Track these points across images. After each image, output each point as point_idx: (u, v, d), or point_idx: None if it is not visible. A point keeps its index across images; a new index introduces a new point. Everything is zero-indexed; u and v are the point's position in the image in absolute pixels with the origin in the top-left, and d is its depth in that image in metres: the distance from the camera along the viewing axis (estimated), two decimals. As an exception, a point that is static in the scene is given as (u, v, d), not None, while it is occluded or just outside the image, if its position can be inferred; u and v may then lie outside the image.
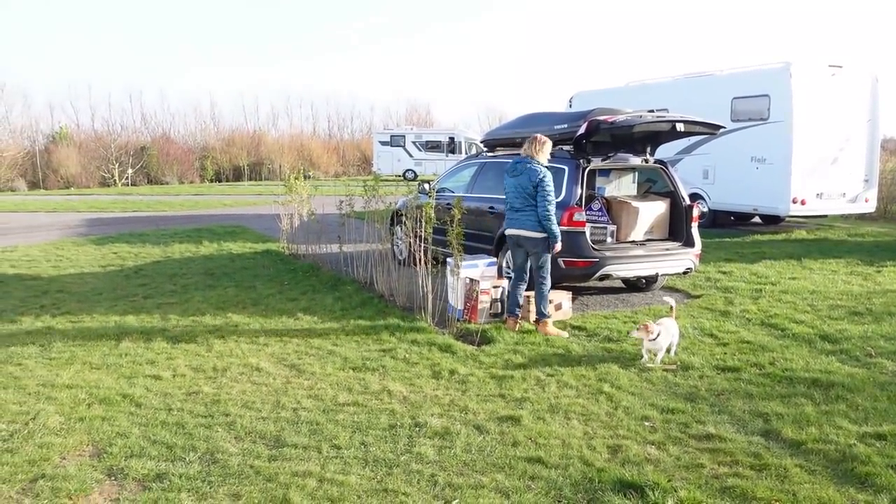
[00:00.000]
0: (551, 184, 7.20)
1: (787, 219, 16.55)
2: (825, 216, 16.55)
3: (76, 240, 14.92)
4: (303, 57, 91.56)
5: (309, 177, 29.33)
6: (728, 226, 16.39)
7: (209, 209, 23.25)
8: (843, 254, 12.39)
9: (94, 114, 62.83)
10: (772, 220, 16.89)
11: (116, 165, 41.83)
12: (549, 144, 7.31)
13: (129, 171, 42.24)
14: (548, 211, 7.15)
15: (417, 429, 4.83)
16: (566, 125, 8.43)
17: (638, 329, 6.24)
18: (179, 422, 4.93)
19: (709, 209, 16.11)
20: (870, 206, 15.64)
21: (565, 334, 7.23)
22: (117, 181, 41.47)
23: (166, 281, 10.09)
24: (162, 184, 42.01)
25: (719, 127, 8.83)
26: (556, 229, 7.21)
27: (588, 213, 8.48)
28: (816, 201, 14.72)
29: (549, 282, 7.32)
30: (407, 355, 6.47)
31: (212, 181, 45.29)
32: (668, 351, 6.39)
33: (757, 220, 16.96)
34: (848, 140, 14.75)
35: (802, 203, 14.53)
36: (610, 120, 7.88)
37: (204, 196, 30.41)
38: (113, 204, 25.38)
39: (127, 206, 24.29)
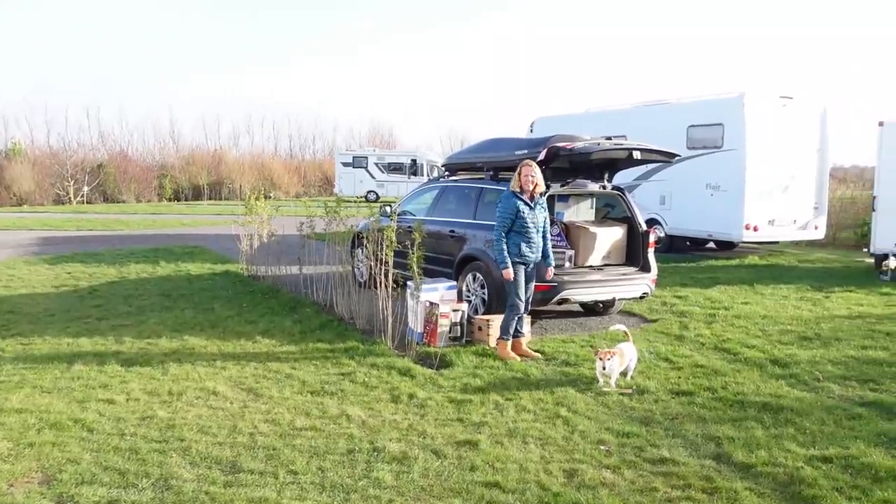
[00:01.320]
0: (505, 208, 7.25)
1: (741, 244, 16.96)
2: (777, 242, 16.99)
3: (28, 259, 14.59)
4: (266, 75, 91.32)
5: (270, 197, 29.18)
6: (684, 251, 16.71)
7: (167, 229, 22.94)
8: (794, 279, 12.73)
9: (49, 130, 61.60)
10: (726, 246, 17.29)
11: (72, 183, 41.02)
12: (524, 169, 7.32)
13: (85, 188, 41.44)
14: (495, 234, 7.27)
15: (375, 453, 4.82)
16: (527, 151, 8.55)
17: (599, 357, 6.30)
18: (132, 447, 4.85)
19: (665, 234, 16.43)
20: (819, 233, 16.12)
21: (538, 355, 7.32)
22: (72, 199, 40.64)
23: (121, 302, 9.92)
24: (119, 202, 41.30)
25: (674, 155, 9.06)
26: (500, 255, 7.25)
27: (547, 237, 8.59)
28: (768, 228, 15.11)
29: (516, 302, 7.32)
30: (366, 379, 6.46)
31: (170, 200, 44.67)
32: (624, 375, 6.49)
33: (712, 245, 17.34)
34: (798, 168, 15.22)
35: (755, 229, 14.90)
36: (569, 146, 8.03)
37: (162, 215, 30.00)
38: (67, 222, 24.86)
39: (82, 225, 23.83)
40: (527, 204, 7.24)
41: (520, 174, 7.28)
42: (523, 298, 7.36)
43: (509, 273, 7.22)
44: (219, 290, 10.99)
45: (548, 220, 7.56)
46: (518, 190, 7.27)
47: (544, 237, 7.47)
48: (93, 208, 35.89)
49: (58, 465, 4.55)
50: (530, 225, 7.24)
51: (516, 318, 7.33)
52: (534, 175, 7.25)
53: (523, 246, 7.26)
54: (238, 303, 9.92)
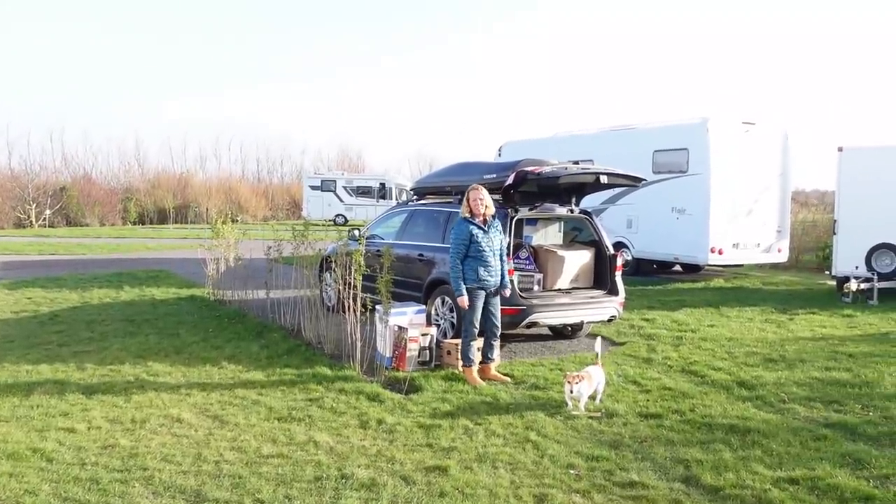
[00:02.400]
0: (458, 234, 7.25)
1: (706, 267, 17.20)
2: (741, 265, 17.26)
3: (-13, 284, 14.23)
4: (233, 98, 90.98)
5: (237, 220, 28.92)
6: (651, 274, 16.90)
7: (131, 253, 22.59)
8: (759, 301, 12.93)
9: (11, 152, 60.70)
10: (692, 269, 17.52)
11: (34, 206, 40.26)
12: (471, 193, 7.34)
13: (48, 212, 40.68)
14: (450, 261, 7.30)
15: (344, 480, 4.75)
16: (495, 175, 8.62)
17: (568, 381, 6.30)
18: (93, 477, 4.71)
19: (633, 257, 16.60)
20: (782, 256, 16.42)
21: (508, 379, 7.30)
22: (34, 222, 39.85)
23: (84, 328, 9.70)
24: (82, 226, 40.59)
25: (640, 179, 9.17)
26: (456, 283, 7.24)
27: (516, 261, 8.64)
28: (733, 251, 15.36)
29: (470, 329, 7.31)
30: (334, 404, 6.38)
31: (135, 224, 44.04)
32: (593, 398, 6.50)
33: (678, 268, 17.56)
34: (762, 192, 15.52)
35: (720, 253, 15.13)
36: (536, 171, 8.09)
37: (126, 239, 29.55)
38: (28, 246, 24.37)
39: (44, 249, 23.36)
40: (480, 228, 7.25)
41: (468, 199, 7.31)
42: (478, 325, 7.35)
43: (464, 301, 7.21)
44: (184, 315, 10.82)
45: (504, 242, 7.59)
46: (469, 215, 7.29)
47: (501, 259, 7.48)
48: (55, 232, 35.22)
49: (15, 497, 4.40)
50: (486, 249, 7.25)
51: (473, 343, 7.31)
52: (482, 198, 7.28)
53: (481, 270, 7.25)
54: (204, 328, 9.76)
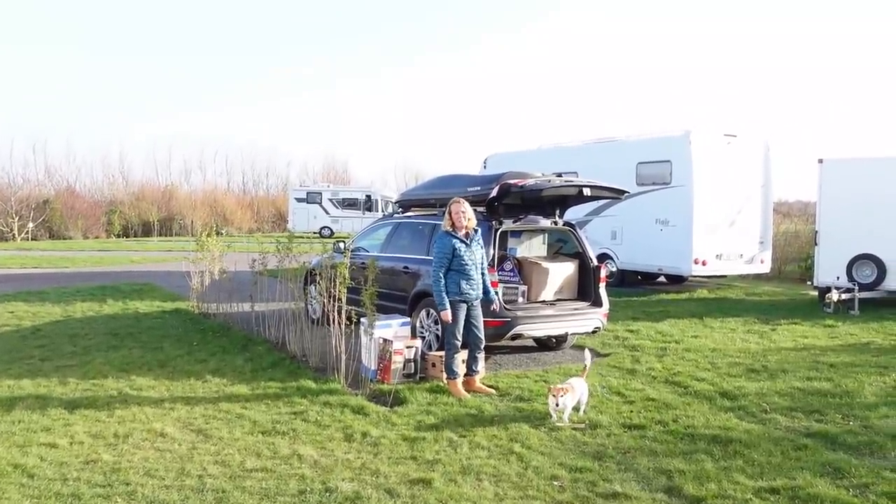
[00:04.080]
0: (441, 248, 7.27)
1: (690, 278, 17.31)
2: (725, 276, 17.39)
3: (-32, 298, 14.09)
4: (218, 110, 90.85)
5: (222, 233, 28.82)
6: (635, 285, 16.99)
7: (115, 266, 22.46)
8: (742, 312, 13.03)
9: (-7, 165, 60.25)
10: (676, 280, 17.63)
11: (16, 219, 39.96)
12: (453, 206, 7.36)
13: (30, 224, 40.39)
14: (432, 275, 7.32)
15: (328, 494, 4.75)
16: (479, 188, 8.67)
17: (552, 394, 6.32)
18: (75, 493, 4.69)
19: (617, 269, 16.69)
20: (765, 267, 16.55)
21: (492, 391, 7.32)
22: (16, 235, 39.56)
23: (66, 342, 9.64)
24: (65, 239, 40.31)
25: (623, 192, 9.25)
26: (439, 297, 7.25)
27: (500, 273, 8.68)
28: (716, 262, 15.47)
29: (452, 342, 7.32)
30: (319, 417, 6.38)
31: (119, 236, 43.80)
32: (577, 410, 6.53)
33: (662, 279, 17.67)
34: (744, 204, 15.66)
35: (703, 264, 15.24)
36: (520, 184, 8.15)
37: (110, 252, 29.37)
38: (10, 259, 24.18)
39: (26, 262, 23.18)
40: (462, 241, 7.29)
41: (450, 212, 7.34)
42: (460, 338, 7.36)
43: (447, 315, 7.24)
44: (168, 328, 10.77)
45: (485, 256, 7.62)
46: (451, 228, 7.32)
47: (483, 273, 7.51)
48: (38, 245, 34.97)
49: (-5, 514, 4.38)
50: (468, 262, 7.28)
51: (457, 356, 7.33)
52: (464, 211, 7.32)
53: (463, 284, 7.28)
54: (188, 341, 9.72)
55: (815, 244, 14.35)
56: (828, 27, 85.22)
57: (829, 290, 13.40)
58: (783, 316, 12.62)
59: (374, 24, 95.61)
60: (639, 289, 16.69)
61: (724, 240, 15.43)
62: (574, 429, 6.17)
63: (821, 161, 14.18)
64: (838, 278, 13.71)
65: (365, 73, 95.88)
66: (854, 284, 13.39)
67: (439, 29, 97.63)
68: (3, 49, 78.66)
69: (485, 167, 19.59)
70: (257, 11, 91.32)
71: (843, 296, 13.19)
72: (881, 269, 13.47)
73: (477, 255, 7.38)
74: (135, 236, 44.60)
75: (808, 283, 15.58)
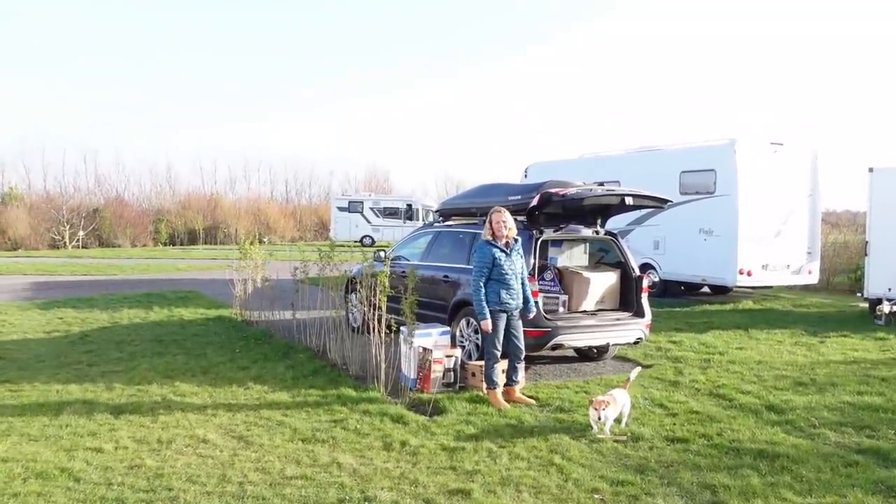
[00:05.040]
0: (481, 258, 7.23)
1: (735, 289, 16.98)
2: (771, 287, 17.00)
3: (21, 304, 14.51)
4: (262, 120, 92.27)
5: (264, 241, 29.21)
6: (678, 295, 16.72)
7: (162, 273, 22.92)
8: (789, 324, 12.72)
9: (46, 174, 62.11)
10: (720, 291, 17.30)
11: (67, 227, 41.09)
12: (494, 216, 7.31)
13: (81, 233, 41.48)
14: (472, 285, 7.27)
15: (367, 503, 4.74)
16: (520, 196, 8.63)
17: (594, 407, 6.23)
18: (119, 497, 4.76)
19: (660, 279, 16.46)
20: (813, 278, 16.15)
21: (532, 402, 7.27)
22: (67, 243, 40.66)
23: (113, 348, 9.85)
24: (114, 247, 41.30)
25: (666, 200, 9.13)
26: (479, 307, 7.21)
27: (541, 282, 8.61)
28: (762, 272, 15.15)
29: (492, 351, 7.28)
30: (358, 426, 6.39)
31: (165, 244, 44.72)
32: (618, 422, 6.44)
33: (706, 289, 17.36)
34: (791, 213, 15.32)
35: (749, 274, 14.94)
36: (561, 193, 8.09)
37: (157, 260, 29.99)
38: (62, 267, 24.83)
39: (76, 270, 23.78)
40: (503, 251, 7.24)
41: (491, 222, 7.30)
42: (500, 348, 7.31)
43: (488, 325, 7.20)
44: (212, 335, 10.93)
45: (525, 266, 7.56)
46: (491, 238, 7.28)
47: (523, 283, 7.46)
48: (88, 253, 35.90)
49: (42, 516, 4.46)
50: (508, 272, 7.24)
51: (497, 366, 7.28)
52: (505, 220, 7.27)
53: (503, 293, 7.24)
54: (231, 348, 9.86)
55: (866, 255, 13.97)
56: (877, 32, 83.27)
57: (880, 301, 13.03)
58: (832, 328, 12.29)
59: (417, 36, 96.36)
60: (682, 299, 16.43)
61: (771, 250, 15.11)
62: (616, 441, 6.08)
63: (871, 170, 13.82)
64: (890, 290, 13.31)
65: (407, 84, 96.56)
66: (906, 296, 12.98)
67: (483, 40, 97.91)
68: (54, 61, 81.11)
69: (525, 176, 19.51)
70: (301, 23, 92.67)
71: (895, 307, 12.80)
72: (935, 280, 13.04)
73: (517, 265, 7.34)
74: (181, 244, 45.47)
75: (858, 294, 15.17)
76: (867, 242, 13.91)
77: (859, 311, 14.58)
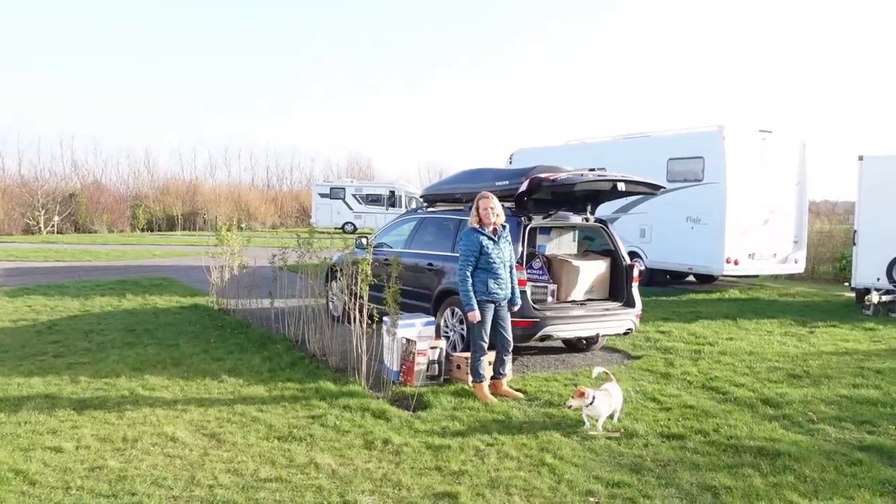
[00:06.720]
0: (467, 245, 6.88)
1: (721, 278, 16.79)
2: (757, 276, 16.85)
3: (-12, 291, 13.98)
4: (243, 108, 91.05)
5: (243, 228, 28.69)
6: (664, 284, 16.52)
7: (137, 260, 22.37)
8: (776, 314, 12.54)
9: (21, 158, 60.79)
10: (706, 279, 17.12)
11: (42, 212, 40.22)
12: (481, 202, 6.97)
13: (56, 218, 40.62)
14: (458, 274, 6.94)
15: (346, 508, 4.42)
16: (508, 182, 8.30)
17: (573, 396, 5.97)
18: (77, 503, 4.39)
19: (646, 267, 16.22)
20: (799, 267, 16.00)
21: (520, 395, 6.97)
22: (42, 229, 39.81)
23: (81, 338, 9.40)
24: (91, 232, 40.50)
25: (659, 187, 8.84)
26: (466, 297, 6.88)
27: (529, 271, 8.30)
28: (749, 261, 14.96)
29: (479, 343, 6.95)
30: (338, 422, 6.04)
31: (143, 230, 43.92)
32: (611, 417, 6.15)
33: (691, 278, 17.17)
34: (778, 202, 15.12)
35: (736, 263, 14.74)
36: (551, 178, 7.77)
37: (133, 246, 29.33)
38: (35, 253, 24.16)
39: (49, 256, 23.13)
40: (490, 238, 6.90)
41: (478, 208, 6.93)
42: (487, 339, 6.98)
43: (475, 315, 6.86)
44: (186, 324, 10.51)
45: (513, 254, 7.24)
46: (478, 225, 6.94)
47: (511, 271, 7.13)
48: (63, 238, 35.11)
49: (-9, 525, 4.09)
50: (496, 260, 6.90)
51: (484, 358, 6.96)
52: (493, 206, 6.91)
53: (491, 283, 6.90)
54: (205, 338, 9.45)
55: (854, 244, 13.83)
56: (868, 22, 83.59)
57: (867, 291, 12.88)
58: (820, 318, 12.12)
59: (399, 25, 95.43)
60: (668, 288, 16.23)
61: (758, 239, 14.92)
62: (609, 438, 5.80)
63: (861, 158, 13.65)
64: (878, 279, 13.17)
65: (390, 72, 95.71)
66: (895, 286, 12.84)
67: (468, 29, 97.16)
68: (30, 47, 79.42)
69: (511, 162, 19.19)
70: (282, 11, 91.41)
71: (884, 297, 12.65)
72: (923, 270, 12.91)
73: (505, 253, 7.01)
74: (159, 230, 44.72)
75: (846, 284, 15.03)
76: (855, 232, 13.77)
77: (845, 301, 14.45)
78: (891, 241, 13.18)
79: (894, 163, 13.54)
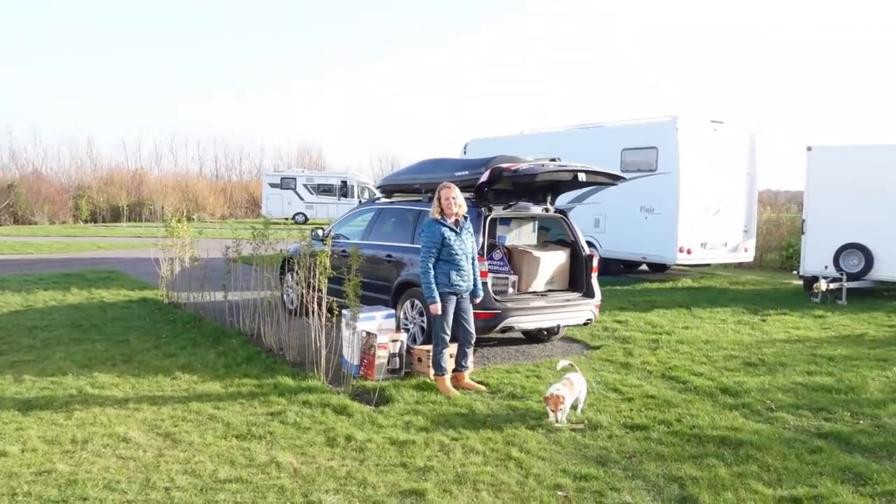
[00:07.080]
0: (429, 237, 6.75)
1: (673, 267, 17.03)
2: (708, 265, 17.12)
3: (-78, 286, 13.32)
4: (190, 96, 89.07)
5: (193, 219, 28.02)
6: (617, 273, 16.66)
7: (81, 252, 21.63)
8: (728, 302, 12.75)
9: (-47, 149, 58.34)
10: (658, 268, 17.35)
11: (-22, 204, 38.70)
12: (442, 192, 6.85)
13: (-7, 209, 39.13)
14: (420, 266, 6.82)
15: (310, 508, 4.28)
16: (468, 172, 8.19)
17: (550, 409, 5.88)
18: (25, 510, 4.17)
19: (600, 257, 16.29)
20: (748, 256, 16.32)
21: (483, 388, 6.90)
22: (-22, 221, 38.31)
23: (24, 335, 9.00)
24: (31, 224, 39.10)
25: (620, 177, 8.85)
26: (428, 289, 6.74)
27: (489, 262, 8.22)
28: (701, 251, 15.18)
29: (441, 336, 6.85)
30: (298, 419, 5.89)
31: (87, 222, 42.60)
32: (574, 408, 6.13)
33: (644, 267, 17.37)
34: (729, 192, 15.37)
35: (688, 252, 14.94)
36: (513, 168, 7.69)
37: (77, 238, 28.39)
38: (-29, 245, 23.21)
39: (-13, 248, 22.25)
40: (452, 230, 6.79)
41: (440, 198, 6.80)
42: (449, 332, 6.89)
43: (437, 308, 6.74)
44: (135, 319, 10.17)
45: (475, 245, 7.16)
46: (440, 216, 6.82)
47: (473, 263, 7.05)
48: (1, 230, 33.81)
49: (-69, 536, 3.85)
50: (458, 252, 6.79)
51: (446, 351, 6.86)
52: (455, 197, 6.80)
53: (453, 275, 6.80)
54: (156, 333, 9.15)
55: (802, 233, 14.11)
56: (817, 13, 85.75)
57: (815, 279, 13.16)
58: (771, 306, 12.36)
59: (351, 13, 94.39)
60: (621, 277, 16.37)
61: (709, 228, 15.15)
62: (573, 429, 5.76)
63: (809, 149, 13.93)
64: (826, 268, 13.48)
65: (340, 62, 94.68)
66: (841, 274, 13.16)
67: (419, 17, 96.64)
68: (-35, 28, 76.25)
69: (465, 153, 19.10)
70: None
71: (831, 285, 12.96)
72: (869, 258, 13.26)
73: (467, 244, 6.90)
74: (103, 222, 43.42)
75: (793, 272, 15.36)
76: (804, 221, 14.05)
77: (793, 289, 14.78)
78: (838, 230, 13.49)
79: (842, 154, 13.86)
